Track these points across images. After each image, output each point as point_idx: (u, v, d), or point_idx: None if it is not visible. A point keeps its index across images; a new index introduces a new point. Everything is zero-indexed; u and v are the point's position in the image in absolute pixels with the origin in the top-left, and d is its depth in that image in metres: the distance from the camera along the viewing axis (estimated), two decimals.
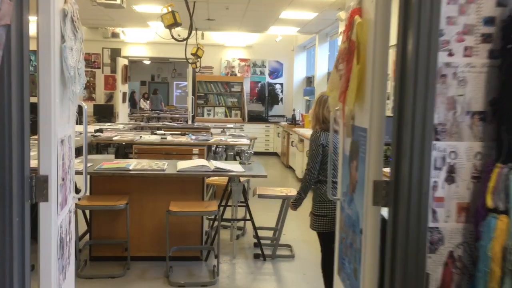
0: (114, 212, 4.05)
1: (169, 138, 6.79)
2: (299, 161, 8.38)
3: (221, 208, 4.56)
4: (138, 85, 22.08)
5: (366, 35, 1.88)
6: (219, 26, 9.59)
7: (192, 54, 7.21)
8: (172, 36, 4.40)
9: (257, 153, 11.05)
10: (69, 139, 2.16)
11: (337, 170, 3.27)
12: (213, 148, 7.26)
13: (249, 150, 4.62)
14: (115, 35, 11.88)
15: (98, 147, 6.99)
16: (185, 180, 4.13)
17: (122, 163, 4.21)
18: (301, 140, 8.40)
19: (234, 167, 4.25)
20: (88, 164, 4.13)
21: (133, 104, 17.65)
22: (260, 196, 4.34)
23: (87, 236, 4.35)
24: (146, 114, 14.39)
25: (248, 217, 4.48)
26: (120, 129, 8.14)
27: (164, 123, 10.03)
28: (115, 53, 11.99)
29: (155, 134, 7.25)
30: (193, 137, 6.91)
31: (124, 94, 11.88)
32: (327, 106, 3.31)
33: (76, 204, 3.77)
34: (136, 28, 11.29)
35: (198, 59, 8.83)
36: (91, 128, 7.68)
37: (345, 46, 2.09)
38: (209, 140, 6.68)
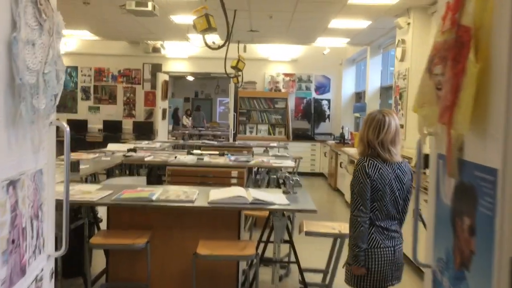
0: (134, 251, 3.41)
1: (206, 159, 6.18)
2: (348, 183, 7.55)
3: (261, 244, 3.86)
4: (182, 101, 21.89)
5: (491, 14, 1.15)
6: (262, 38, 8.98)
7: (232, 67, 6.62)
8: (206, 43, 3.79)
9: (302, 174, 10.31)
10: (37, 176, 1.51)
11: (384, 211, 2.59)
12: (254, 170, 6.59)
13: (295, 177, 3.90)
14: (156, 50, 11.52)
15: (130, 168, 6.47)
16: (218, 213, 3.46)
17: (145, 191, 3.58)
18: (352, 162, 7.58)
19: (277, 197, 3.54)
20: (107, 192, 3.55)
21: (176, 121, 17.33)
22: (308, 233, 3.59)
23: (104, 278, 3.74)
24: (187, 132, 13.95)
25: (292, 257, 3.75)
26: (156, 148, 7.63)
27: (204, 141, 9.48)
28: (156, 68, 11.63)
29: (192, 154, 6.66)
30: (232, 157, 6.27)
31: (164, 110, 11.46)
32: (377, 128, 2.60)
33: (89, 241, 3.16)
34: (176, 42, 10.88)
35: (239, 73, 8.23)
36: (125, 147, 7.20)
37: (447, 37, 1.35)
38: (249, 161, 6.01)
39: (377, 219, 2.60)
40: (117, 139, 10.79)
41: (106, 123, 11.60)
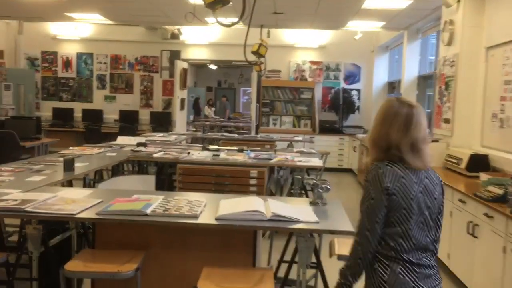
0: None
1: (222, 156, 5.50)
2: None
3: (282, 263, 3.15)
4: (204, 91, 21.32)
5: None
6: (287, 22, 8.20)
7: (253, 52, 5.89)
8: (217, 20, 3.07)
9: (329, 169, 9.55)
10: None
11: (412, 239, 1.87)
12: (276, 169, 5.88)
13: (324, 184, 3.16)
14: (174, 36, 10.87)
15: (140, 164, 5.84)
16: (228, 232, 2.76)
17: (140, 201, 2.91)
18: None
19: (303, 211, 2.82)
20: (96, 201, 2.89)
21: (197, 111, 16.72)
22: (341, 258, 2.86)
23: None
24: (208, 123, 13.31)
25: (320, 283, 3.03)
26: (170, 142, 6.98)
27: (223, 134, 8.79)
28: (175, 55, 10.98)
29: (207, 149, 5.98)
30: (252, 155, 5.56)
31: (183, 100, 10.82)
32: (405, 124, 1.89)
33: (63, 268, 2.50)
34: (193, 26, 10.20)
35: (261, 60, 7.49)
36: (136, 140, 6.57)
37: None
38: (271, 159, 5.30)
39: (402, 251, 1.86)
40: (133, 130, 10.22)
41: (122, 113, 11.04)
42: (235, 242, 2.76)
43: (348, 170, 10.30)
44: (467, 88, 5.05)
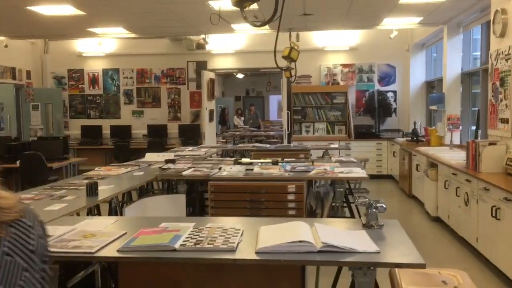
0: None
1: (256, 169, 5.10)
2: (431, 193, 6.23)
3: None
4: (232, 100, 21.08)
5: None
6: (317, 24, 7.77)
7: (284, 57, 5.50)
8: (245, 17, 2.69)
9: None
10: None
11: None
12: (315, 184, 5.45)
13: (379, 203, 2.72)
14: (200, 46, 10.59)
15: (169, 182, 5.50)
16: (272, 267, 2.34)
17: (169, 231, 2.53)
18: (433, 165, 6.24)
19: (357, 238, 2.39)
20: (118, 233, 2.54)
21: (222, 121, 16.43)
22: None
23: None
24: (238, 133, 12.97)
25: None
26: (200, 156, 6.64)
27: (255, 145, 8.40)
28: (201, 66, 10.69)
29: (239, 163, 5.59)
30: (288, 167, 5.14)
31: (211, 111, 10.50)
32: None
33: None
34: (219, 35, 9.90)
35: (292, 65, 7.07)
36: (164, 156, 6.25)
37: None
38: (309, 171, 4.87)
39: None
40: (162, 145, 9.98)
41: (151, 128, 10.81)
42: (280, 278, 2.34)
43: (388, 177, 9.73)
44: None
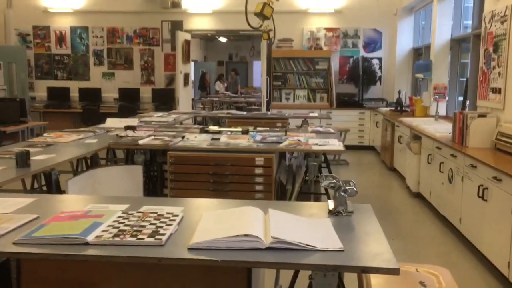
0: None
1: (223, 139, 4.63)
2: (413, 167, 5.83)
3: None
4: (215, 65, 20.41)
5: None
6: None
7: (256, 14, 4.92)
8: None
9: (348, 147, 8.55)
10: None
11: None
12: (288, 155, 5.00)
13: (350, 186, 2.26)
14: (175, 4, 9.89)
15: (128, 152, 4.98)
16: (209, 269, 1.88)
17: (89, 216, 2.05)
18: (416, 137, 5.82)
19: (318, 228, 1.94)
20: (31, 217, 2.07)
21: (202, 87, 15.83)
22: None
23: None
24: (217, 99, 12.43)
25: None
26: (167, 123, 6.13)
27: (230, 112, 7.89)
28: (176, 26, 10.00)
29: (207, 132, 5.10)
30: (258, 137, 4.68)
31: (186, 75, 9.92)
32: None
33: None
34: None
35: (266, 25, 6.50)
36: (126, 122, 5.73)
37: None
38: (280, 142, 4.40)
39: None
40: (134, 110, 9.40)
41: (122, 92, 10.18)
42: (220, 282, 1.88)
43: (370, 148, 9.34)
44: None
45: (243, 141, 4.54)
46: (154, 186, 4.95)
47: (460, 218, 4.17)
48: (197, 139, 4.64)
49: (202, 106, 12.70)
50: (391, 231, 4.64)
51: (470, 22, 6.64)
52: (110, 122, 5.92)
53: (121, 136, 4.71)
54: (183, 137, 4.71)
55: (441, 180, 4.73)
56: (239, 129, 5.25)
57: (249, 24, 4.77)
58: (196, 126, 5.92)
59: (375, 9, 9.44)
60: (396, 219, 5.06)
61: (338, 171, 7.32)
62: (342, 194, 2.24)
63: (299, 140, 4.57)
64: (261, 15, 4.81)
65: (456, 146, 4.36)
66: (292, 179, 4.53)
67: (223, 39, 18.99)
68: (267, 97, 9.59)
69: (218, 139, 4.65)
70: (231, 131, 5.22)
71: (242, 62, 21.03)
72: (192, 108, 13.26)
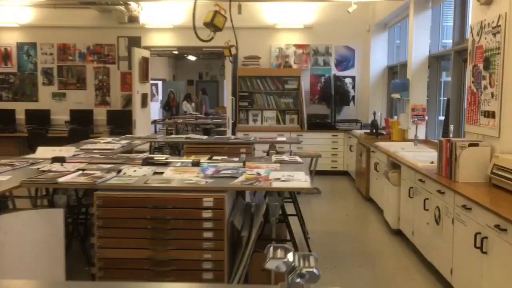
0: None
1: (167, 173, 3.83)
2: (392, 200, 5.11)
3: None
4: (184, 84, 19.69)
5: None
6: None
7: (206, 24, 4.19)
8: None
9: (321, 173, 7.90)
10: None
11: None
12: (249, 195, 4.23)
13: (309, 266, 1.52)
14: (133, 19, 9.12)
15: (48, 192, 4.12)
16: None
17: None
18: (395, 165, 5.13)
19: None
20: None
21: (167, 107, 15.06)
22: None
23: None
24: (181, 120, 11.63)
25: None
26: (111, 151, 5.30)
27: (188, 136, 7.08)
28: (134, 42, 9.22)
29: (151, 163, 4.28)
30: (210, 170, 3.89)
31: (144, 95, 9.11)
32: None
33: None
34: (155, 4, 8.50)
35: (230, 42, 5.78)
36: (60, 151, 4.89)
37: None
38: (236, 177, 3.64)
39: None
40: (87, 134, 8.51)
41: (74, 114, 9.29)
42: None
43: (344, 173, 8.65)
44: None
45: (191, 176, 3.75)
46: (81, 234, 4.09)
47: (452, 269, 3.45)
48: (136, 174, 3.83)
49: (164, 128, 11.87)
50: (369, 285, 3.89)
51: (448, 41, 6.07)
52: (42, 152, 5.04)
53: (43, 171, 3.86)
54: (119, 171, 3.89)
55: (426, 219, 4.02)
56: (191, 159, 4.47)
57: (197, 36, 4.04)
58: (142, 155, 5.08)
59: (347, 25, 8.87)
60: (374, 265, 4.31)
61: (309, 202, 6.57)
62: (297, 280, 1.47)
63: (258, 174, 3.82)
64: (211, 25, 4.07)
65: (444, 180, 3.66)
66: (250, 222, 3.74)
67: (192, 58, 18.31)
68: (232, 119, 8.85)
69: (162, 173, 3.86)
70: (182, 162, 4.43)
71: (212, 81, 20.37)
72: (156, 131, 12.42)
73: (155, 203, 3.41)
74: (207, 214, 3.41)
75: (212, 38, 4.23)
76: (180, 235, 3.42)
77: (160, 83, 17.54)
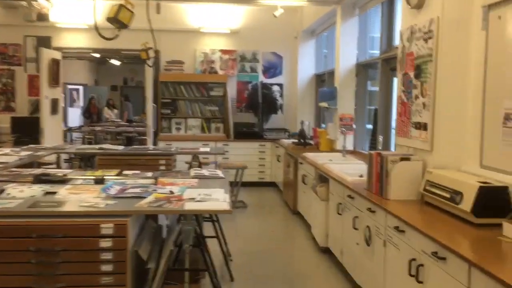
0: None
1: (61, 194, 3.23)
2: (320, 216, 4.79)
3: None
4: (107, 90, 18.65)
5: None
6: None
7: (109, 19, 3.65)
8: None
9: (247, 184, 7.52)
10: None
11: None
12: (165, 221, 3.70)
13: None
14: (42, 17, 8.25)
15: None
16: None
17: None
18: (323, 179, 4.82)
19: None
20: None
21: (88, 114, 14.10)
22: None
23: None
24: (99, 128, 10.81)
25: None
26: (6, 165, 4.57)
27: (102, 146, 6.41)
28: (43, 43, 8.37)
29: (43, 181, 3.64)
30: (114, 190, 3.34)
31: (55, 101, 8.27)
32: None
33: None
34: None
35: (148, 44, 5.25)
36: None
37: None
38: (144, 197, 3.12)
39: None
40: None
41: None
42: None
43: (271, 184, 8.31)
44: (455, 73, 3.17)
45: (90, 197, 3.18)
46: None
47: None
48: (22, 195, 3.20)
49: (81, 137, 10.97)
50: None
51: (376, 51, 5.91)
52: None
53: None
54: (1, 191, 3.24)
55: (355, 239, 3.71)
56: (96, 174, 3.89)
57: (99, 34, 3.49)
58: (36, 171, 4.39)
59: (275, 31, 8.60)
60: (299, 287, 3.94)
61: (234, 217, 6.13)
62: None
63: (171, 193, 3.32)
64: (115, 20, 3.54)
65: (374, 198, 3.36)
66: (159, 251, 3.22)
67: (115, 62, 17.37)
68: (153, 128, 8.25)
69: (54, 193, 3.25)
70: (84, 179, 3.83)
71: (138, 87, 19.44)
72: (71, 140, 11.47)
73: (41, 231, 2.82)
74: (106, 243, 2.86)
75: (117, 36, 3.69)
76: (73, 270, 2.84)
77: (81, 88, 16.49)
